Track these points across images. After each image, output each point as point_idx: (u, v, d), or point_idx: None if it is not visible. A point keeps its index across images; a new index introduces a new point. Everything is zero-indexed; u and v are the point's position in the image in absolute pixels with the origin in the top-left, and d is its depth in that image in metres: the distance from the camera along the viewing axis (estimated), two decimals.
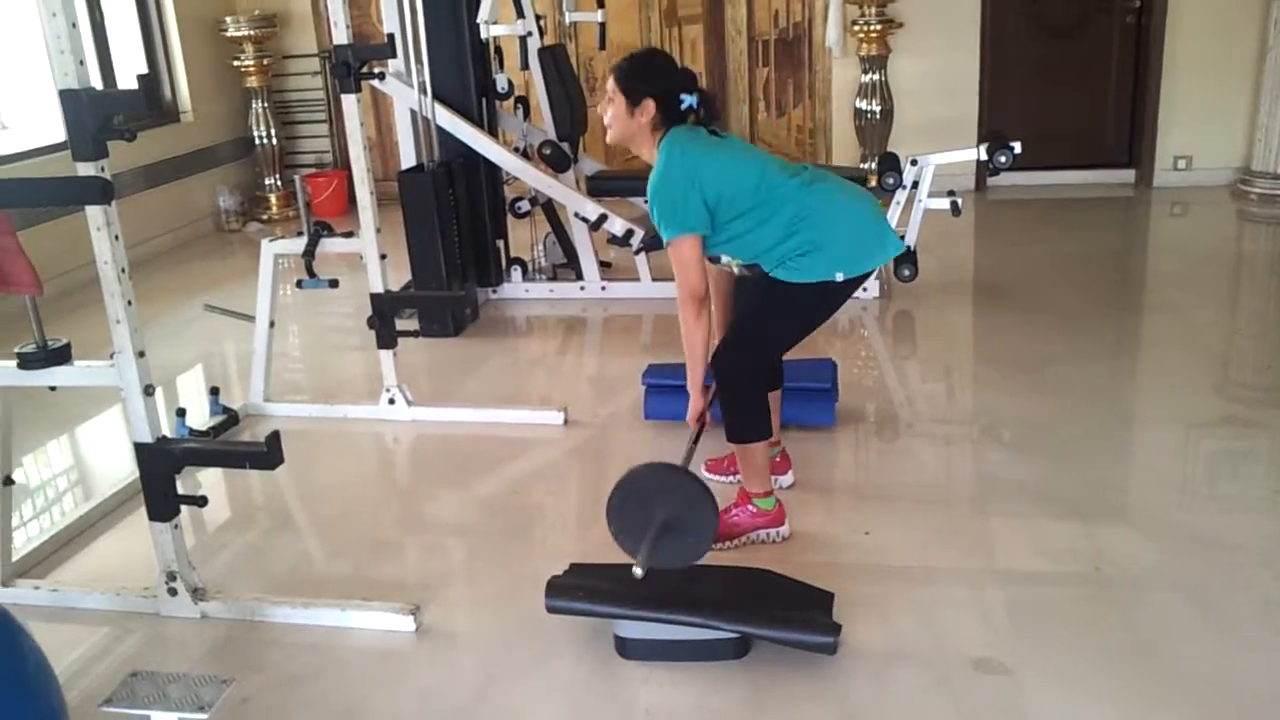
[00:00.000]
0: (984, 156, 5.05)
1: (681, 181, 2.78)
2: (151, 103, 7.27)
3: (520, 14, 5.51)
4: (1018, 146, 4.97)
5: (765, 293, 2.92)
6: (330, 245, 3.95)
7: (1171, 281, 5.45)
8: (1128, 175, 7.45)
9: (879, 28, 7.04)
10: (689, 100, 2.87)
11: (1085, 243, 6.17)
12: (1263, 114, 6.67)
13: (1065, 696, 2.34)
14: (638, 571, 2.39)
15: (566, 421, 3.96)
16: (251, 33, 7.60)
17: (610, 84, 2.89)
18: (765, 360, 3.07)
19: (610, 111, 2.90)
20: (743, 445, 2.97)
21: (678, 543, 2.45)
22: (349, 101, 3.71)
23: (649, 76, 2.89)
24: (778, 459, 3.31)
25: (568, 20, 6.79)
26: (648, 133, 2.88)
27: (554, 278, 5.72)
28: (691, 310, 2.86)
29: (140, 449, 2.65)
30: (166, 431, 2.73)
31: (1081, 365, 4.25)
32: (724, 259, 2.96)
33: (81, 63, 2.38)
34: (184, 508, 2.76)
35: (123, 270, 2.53)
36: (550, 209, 5.68)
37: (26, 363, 2.70)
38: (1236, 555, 2.85)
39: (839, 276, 2.83)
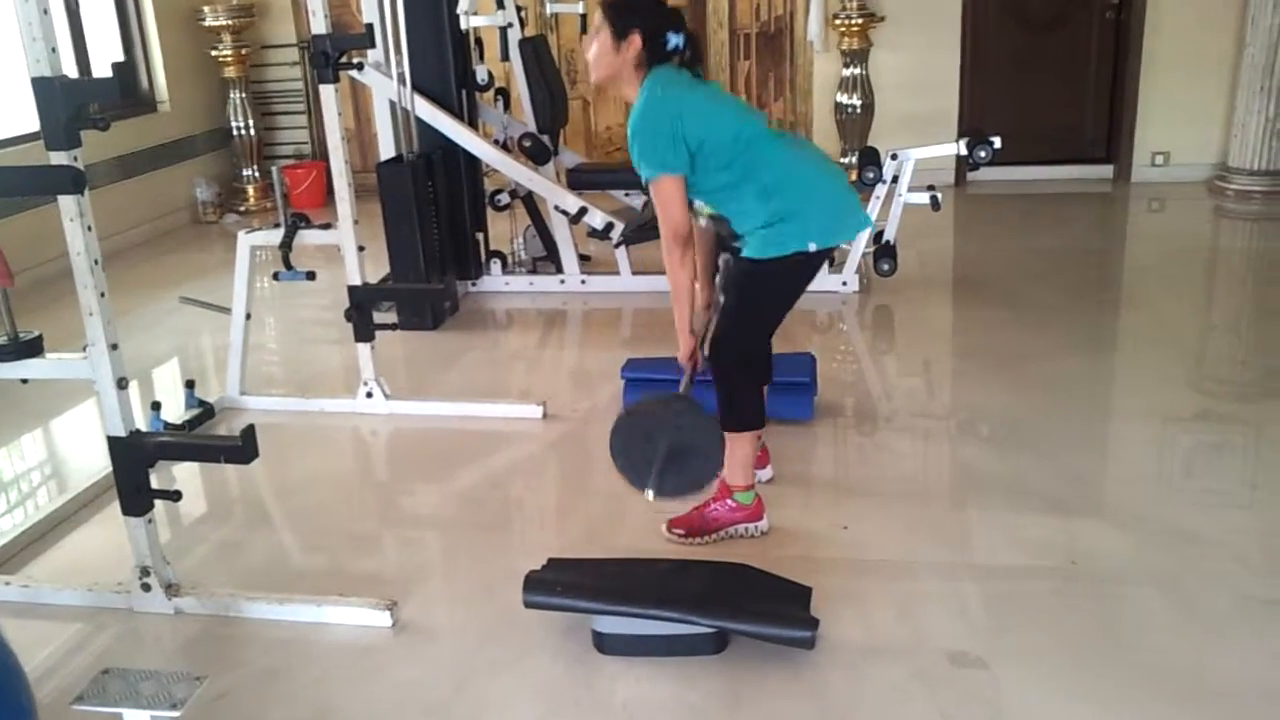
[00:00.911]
0: (964, 151, 5.07)
1: (664, 119, 2.75)
2: (128, 92, 7.19)
3: (500, 5, 5.49)
4: (997, 141, 4.98)
5: (745, 276, 2.92)
6: (308, 237, 3.92)
7: (1149, 277, 5.48)
8: (1106, 171, 7.48)
9: (860, 22, 7.05)
10: (675, 40, 2.85)
11: (1064, 238, 6.19)
12: (1240, 110, 6.71)
13: (1041, 690, 2.35)
14: (649, 495, 2.36)
15: (545, 415, 3.94)
16: (230, 22, 7.53)
17: (598, 16, 2.86)
18: (760, 342, 3.05)
19: (595, 47, 2.87)
20: (734, 433, 2.97)
21: (686, 468, 2.43)
22: (327, 92, 3.68)
23: (638, 9, 2.85)
24: (757, 453, 3.31)
25: (549, 11, 6.77)
26: (631, 69, 2.84)
27: (534, 271, 5.70)
28: (676, 250, 2.83)
29: (113, 443, 2.63)
30: (141, 425, 2.71)
31: (1059, 360, 4.27)
32: (697, 204, 2.93)
33: (54, 50, 2.35)
34: (158, 502, 2.73)
35: (96, 262, 2.50)
36: (530, 202, 5.66)
37: None
38: (1212, 550, 2.87)
39: (812, 246, 2.83)
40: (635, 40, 2.81)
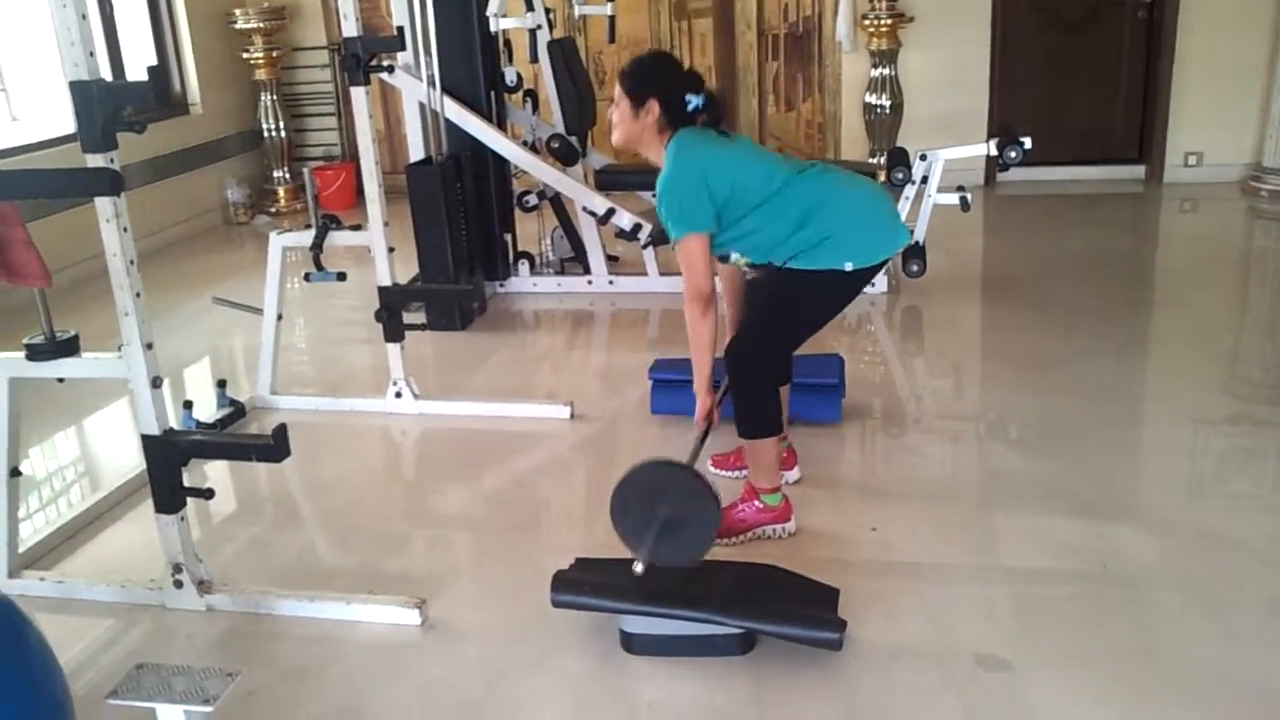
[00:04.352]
0: (994, 152, 5.04)
1: (689, 181, 2.80)
2: (161, 95, 7.27)
3: (529, 7, 5.51)
4: (1028, 142, 4.95)
5: (776, 285, 2.93)
6: (338, 238, 3.96)
7: (1181, 278, 5.42)
8: (1138, 171, 7.41)
9: (889, 22, 7.02)
10: (695, 101, 2.89)
11: (1095, 239, 6.14)
12: (1274, 110, 6.64)
13: (1071, 694, 2.33)
14: (638, 568, 2.39)
15: (573, 416, 3.95)
16: (261, 25, 7.60)
17: (617, 88, 2.92)
18: (777, 353, 3.06)
19: (616, 114, 2.93)
20: (753, 440, 2.97)
21: (680, 540, 2.45)
22: (358, 94, 3.71)
23: (653, 78, 2.91)
24: (784, 454, 3.31)
25: (577, 13, 6.79)
26: (654, 134, 2.90)
27: (561, 272, 5.71)
28: (698, 308, 2.86)
29: (147, 441, 2.66)
30: (174, 424, 2.73)
31: (1090, 362, 4.24)
32: (734, 256, 2.96)
33: (91, 54, 2.38)
34: (190, 500, 2.76)
35: (131, 262, 2.53)
36: (558, 203, 5.68)
37: (34, 354, 2.70)
38: (1243, 554, 2.84)
39: (848, 266, 2.83)
40: (653, 107, 2.86)
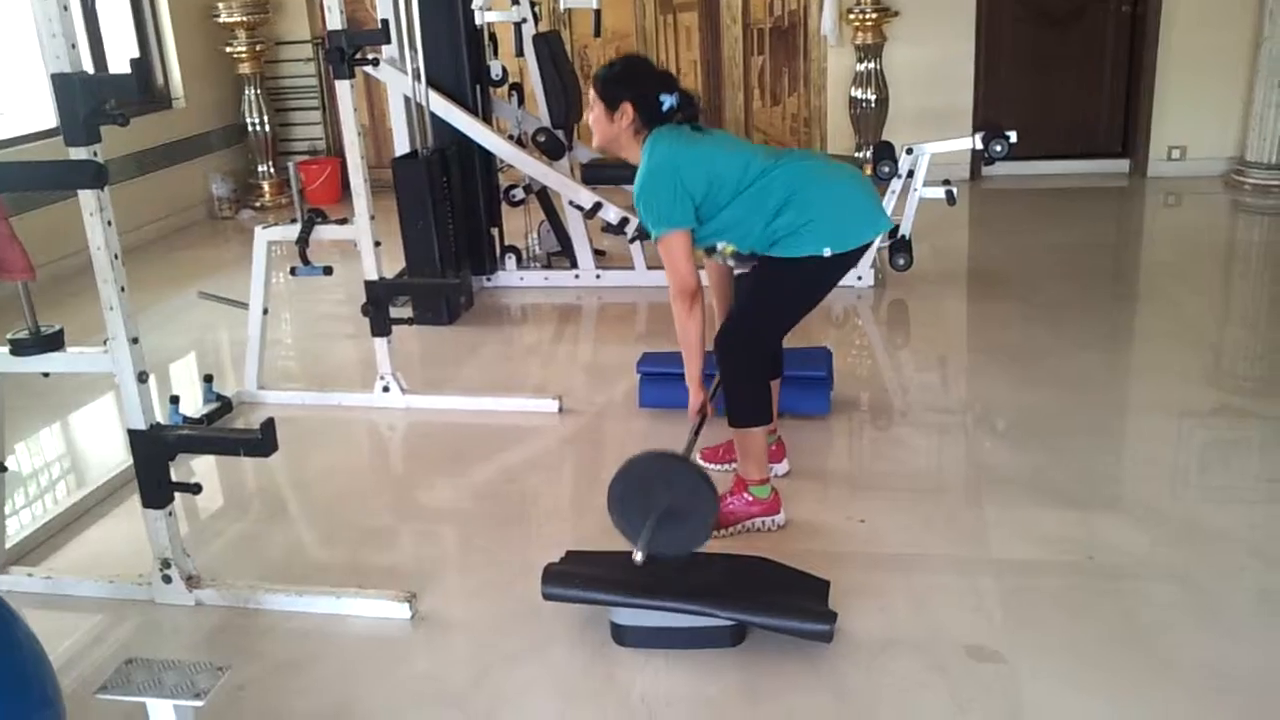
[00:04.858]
0: (979, 145, 5.06)
1: (665, 178, 2.82)
2: (143, 89, 7.19)
3: (515, 0, 5.49)
4: (1013, 136, 4.97)
5: (759, 275, 2.96)
6: (324, 232, 3.94)
7: (1165, 271, 5.45)
8: (1122, 165, 7.45)
9: (875, 16, 7.04)
10: (669, 100, 2.92)
11: (1079, 232, 6.17)
12: (1257, 104, 6.67)
13: (1059, 684, 2.34)
14: (638, 557, 2.39)
15: (561, 410, 3.95)
16: (244, 19, 7.56)
17: (591, 92, 2.95)
18: (766, 341, 3.07)
19: (591, 117, 2.97)
20: (743, 430, 2.97)
21: (677, 530, 2.46)
22: (343, 88, 3.70)
23: (625, 81, 2.94)
24: (773, 447, 3.31)
25: (562, 6, 6.79)
26: (630, 135, 2.93)
27: (548, 265, 5.71)
28: (684, 304, 2.89)
29: (134, 436, 2.64)
30: (160, 418, 2.72)
31: (1075, 355, 4.26)
32: (719, 246, 2.97)
33: (74, 46, 2.36)
34: (178, 495, 2.75)
35: (116, 256, 2.51)
36: (545, 196, 5.67)
37: (19, 349, 2.68)
38: (1229, 545, 2.86)
39: (827, 252, 2.85)
40: (627, 109, 2.90)
